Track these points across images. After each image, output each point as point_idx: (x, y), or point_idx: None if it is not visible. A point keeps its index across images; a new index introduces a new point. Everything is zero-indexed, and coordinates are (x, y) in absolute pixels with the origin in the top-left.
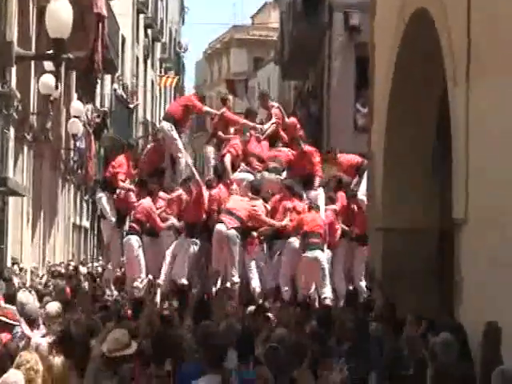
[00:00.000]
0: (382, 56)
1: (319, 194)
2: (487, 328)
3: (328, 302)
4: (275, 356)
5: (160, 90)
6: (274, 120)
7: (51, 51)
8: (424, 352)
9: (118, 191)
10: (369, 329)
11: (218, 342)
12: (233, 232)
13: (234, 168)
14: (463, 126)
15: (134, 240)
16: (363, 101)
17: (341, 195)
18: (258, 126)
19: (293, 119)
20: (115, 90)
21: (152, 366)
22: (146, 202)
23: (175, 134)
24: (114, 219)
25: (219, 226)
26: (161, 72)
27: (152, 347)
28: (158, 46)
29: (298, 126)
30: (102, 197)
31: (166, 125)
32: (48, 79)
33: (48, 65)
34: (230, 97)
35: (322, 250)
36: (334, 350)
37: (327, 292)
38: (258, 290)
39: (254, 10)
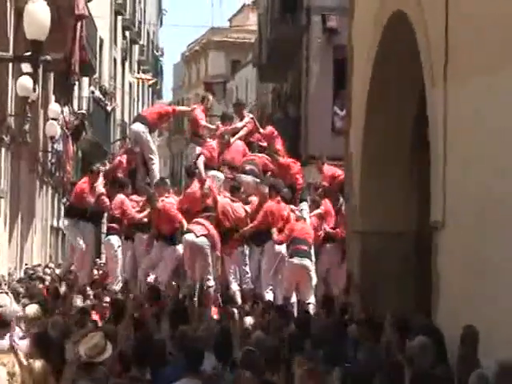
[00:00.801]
0: (360, 58)
1: (303, 210)
2: (465, 331)
3: (311, 307)
4: (251, 359)
5: (138, 92)
6: (247, 119)
7: (29, 53)
8: (399, 356)
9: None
10: (346, 332)
11: (195, 346)
12: (202, 239)
13: (208, 168)
14: (441, 128)
15: (115, 240)
16: (341, 103)
17: (325, 200)
18: (221, 127)
19: (270, 128)
20: (93, 92)
21: (133, 369)
22: (119, 197)
23: (149, 137)
24: (83, 246)
25: (188, 236)
26: (139, 74)
27: (134, 351)
28: (136, 48)
29: (276, 133)
30: (69, 225)
31: (141, 127)
32: (26, 81)
33: (26, 67)
34: (211, 97)
35: (310, 259)
36: (310, 353)
37: (311, 298)
38: (237, 293)
39: (231, 13)
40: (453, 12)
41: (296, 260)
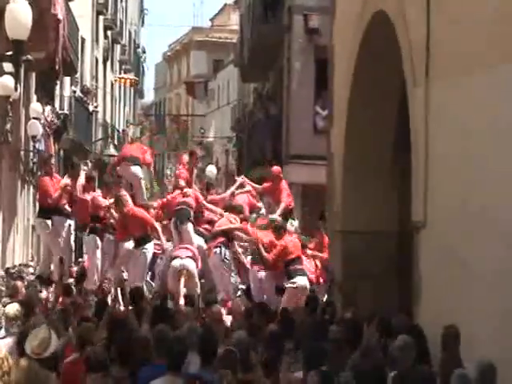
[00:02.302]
0: (341, 58)
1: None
2: (446, 331)
3: None
4: (230, 359)
5: (120, 92)
6: (239, 182)
7: (10, 52)
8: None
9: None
10: (328, 331)
11: (177, 345)
12: (189, 261)
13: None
14: (422, 128)
15: (93, 239)
16: (323, 103)
17: None
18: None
19: (276, 168)
20: (74, 91)
21: (115, 367)
22: (95, 194)
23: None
24: (60, 254)
25: (174, 262)
26: (120, 74)
27: (117, 348)
28: (118, 47)
29: (281, 175)
30: (39, 227)
31: (141, 172)
32: (7, 80)
33: (7, 66)
34: (199, 151)
35: (306, 275)
36: (292, 352)
37: None
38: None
39: (213, 12)
40: (434, 12)
41: (299, 280)
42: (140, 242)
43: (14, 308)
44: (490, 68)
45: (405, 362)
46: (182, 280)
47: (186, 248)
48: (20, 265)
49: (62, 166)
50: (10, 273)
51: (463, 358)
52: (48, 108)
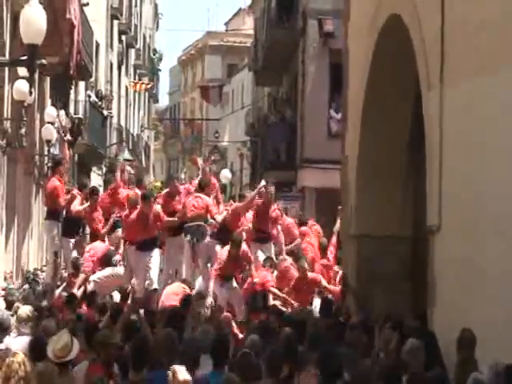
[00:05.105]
0: (355, 62)
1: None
2: (462, 334)
3: None
4: (246, 362)
5: (134, 96)
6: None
7: (25, 57)
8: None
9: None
10: (342, 335)
11: (189, 348)
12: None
13: None
14: (437, 131)
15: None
16: (337, 107)
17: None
18: None
19: (305, 229)
20: (89, 96)
21: (131, 371)
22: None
23: None
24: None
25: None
26: (135, 78)
27: (133, 353)
28: (132, 52)
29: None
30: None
31: None
32: (22, 85)
33: (22, 70)
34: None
35: None
36: (306, 356)
37: None
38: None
39: (228, 17)
40: (448, 16)
41: None
42: (155, 244)
43: (26, 310)
44: (504, 67)
45: (415, 365)
46: None
47: (176, 293)
48: (36, 269)
49: (77, 170)
50: (25, 277)
51: (479, 361)
52: (62, 112)
